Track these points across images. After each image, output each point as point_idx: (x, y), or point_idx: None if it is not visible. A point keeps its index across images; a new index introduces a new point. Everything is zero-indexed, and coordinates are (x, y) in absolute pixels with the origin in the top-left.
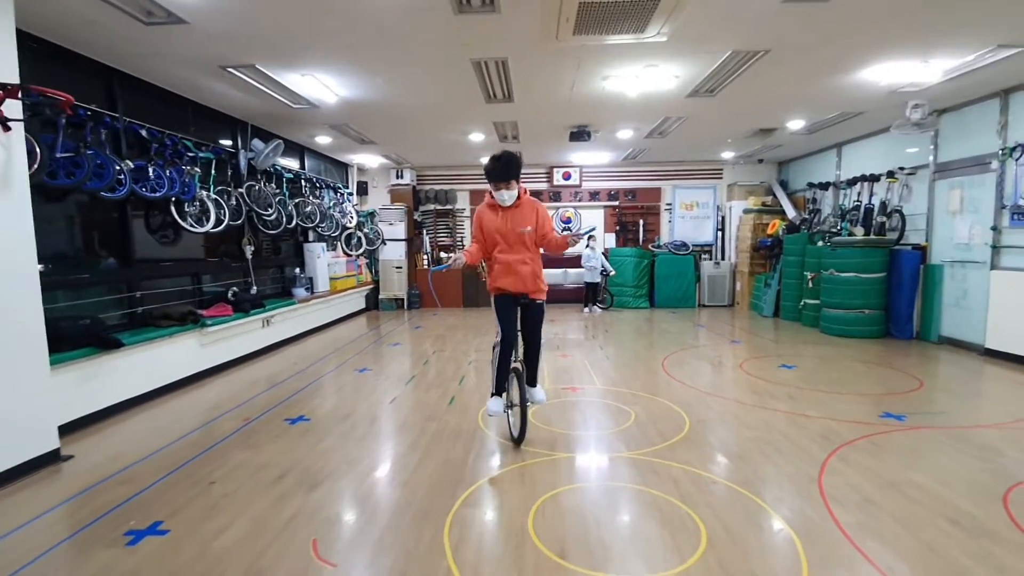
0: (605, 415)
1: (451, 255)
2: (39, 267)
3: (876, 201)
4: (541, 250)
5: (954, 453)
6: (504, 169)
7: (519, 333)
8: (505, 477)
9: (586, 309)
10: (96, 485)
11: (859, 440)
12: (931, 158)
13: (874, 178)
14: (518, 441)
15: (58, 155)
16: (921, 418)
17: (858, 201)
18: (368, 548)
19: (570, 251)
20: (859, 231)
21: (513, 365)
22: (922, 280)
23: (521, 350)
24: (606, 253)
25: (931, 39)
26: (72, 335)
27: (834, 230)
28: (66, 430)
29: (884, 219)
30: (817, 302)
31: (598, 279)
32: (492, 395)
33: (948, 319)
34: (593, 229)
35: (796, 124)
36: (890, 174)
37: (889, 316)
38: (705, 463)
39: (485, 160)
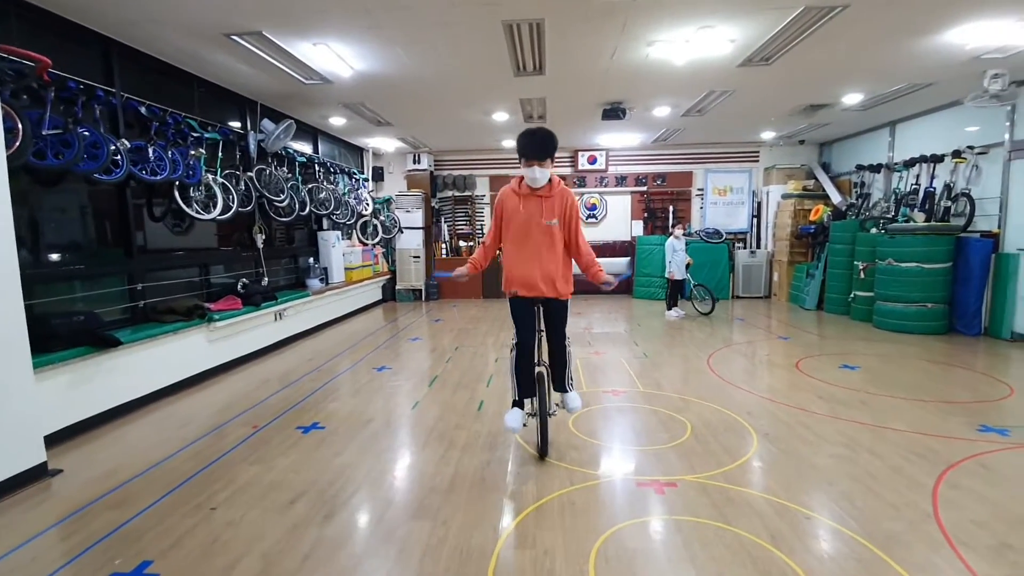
0: (656, 425)
1: (459, 269)
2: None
3: (939, 184)
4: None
5: None
6: (541, 144)
7: (541, 335)
8: (554, 505)
9: (673, 313)
10: (82, 510)
11: (965, 461)
12: (1007, 136)
13: (937, 159)
14: (542, 454)
15: (45, 132)
16: None
17: (917, 184)
18: None
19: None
20: (920, 217)
21: (538, 370)
22: (993, 271)
23: (546, 353)
24: (633, 241)
25: None
26: (65, 333)
27: (887, 216)
28: (56, 439)
29: (949, 203)
30: (870, 294)
31: (686, 275)
32: (513, 406)
33: (1023, 314)
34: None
35: (853, 98)
36: (956, 153)
37: (954, 310)
38: (791, 491)
39: (509, 142)
